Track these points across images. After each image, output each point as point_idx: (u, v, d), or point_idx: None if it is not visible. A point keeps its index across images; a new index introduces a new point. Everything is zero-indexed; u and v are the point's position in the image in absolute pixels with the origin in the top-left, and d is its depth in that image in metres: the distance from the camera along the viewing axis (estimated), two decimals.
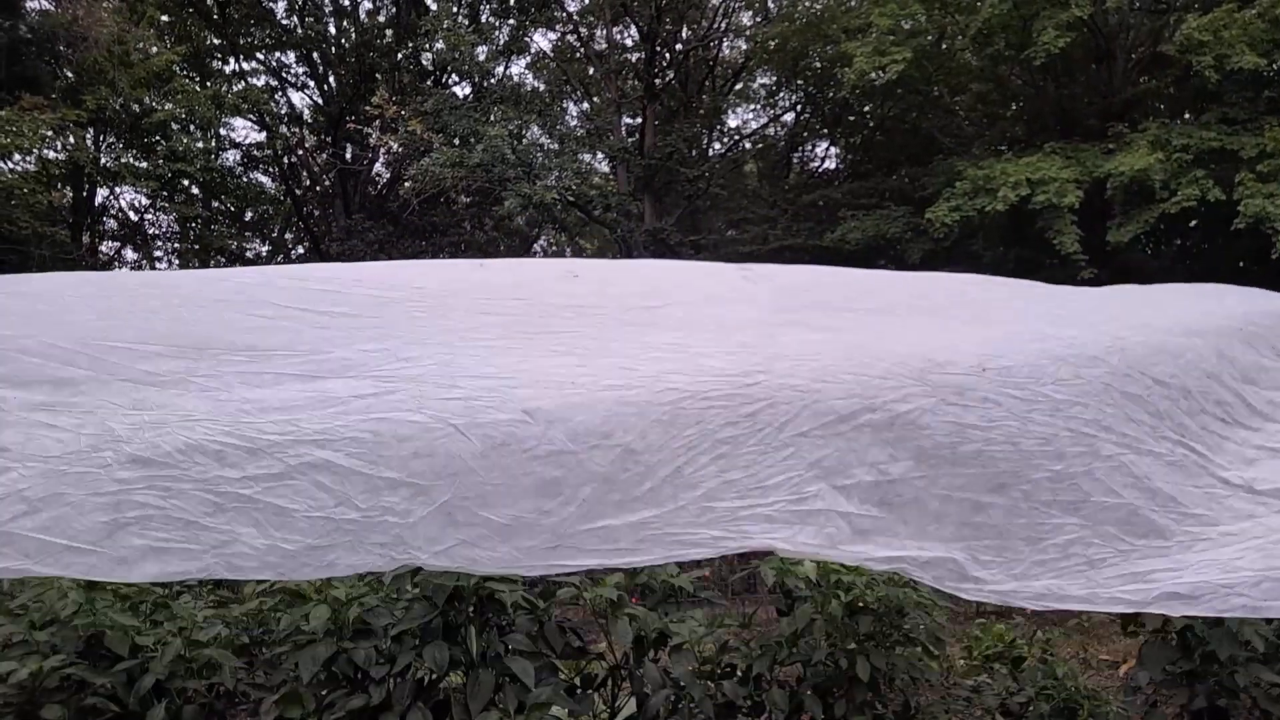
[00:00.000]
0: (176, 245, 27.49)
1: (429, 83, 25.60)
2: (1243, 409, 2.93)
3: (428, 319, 2.67)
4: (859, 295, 3.26)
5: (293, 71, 28.12)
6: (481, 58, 21.99)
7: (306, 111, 28.63)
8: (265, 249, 31.19)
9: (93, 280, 2.97)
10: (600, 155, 24.20)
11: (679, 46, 25.12)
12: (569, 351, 2.56)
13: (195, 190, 26.54)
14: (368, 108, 22.19)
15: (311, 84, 28.10)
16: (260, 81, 26.47)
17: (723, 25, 25.80)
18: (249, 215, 30.98)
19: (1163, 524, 2.59)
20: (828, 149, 30.77)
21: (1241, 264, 22.10)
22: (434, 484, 2.23)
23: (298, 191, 28.31)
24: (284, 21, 26.79)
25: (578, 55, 26.64)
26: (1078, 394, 2.65)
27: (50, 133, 19.18)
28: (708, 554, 2.37)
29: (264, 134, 26.47)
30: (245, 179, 29.11)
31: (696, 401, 2.39)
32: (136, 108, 22.13)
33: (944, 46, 21.25)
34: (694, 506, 2.33)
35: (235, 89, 24.78)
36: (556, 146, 20.91)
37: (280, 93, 27.55)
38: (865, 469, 2.46)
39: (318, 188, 28.72)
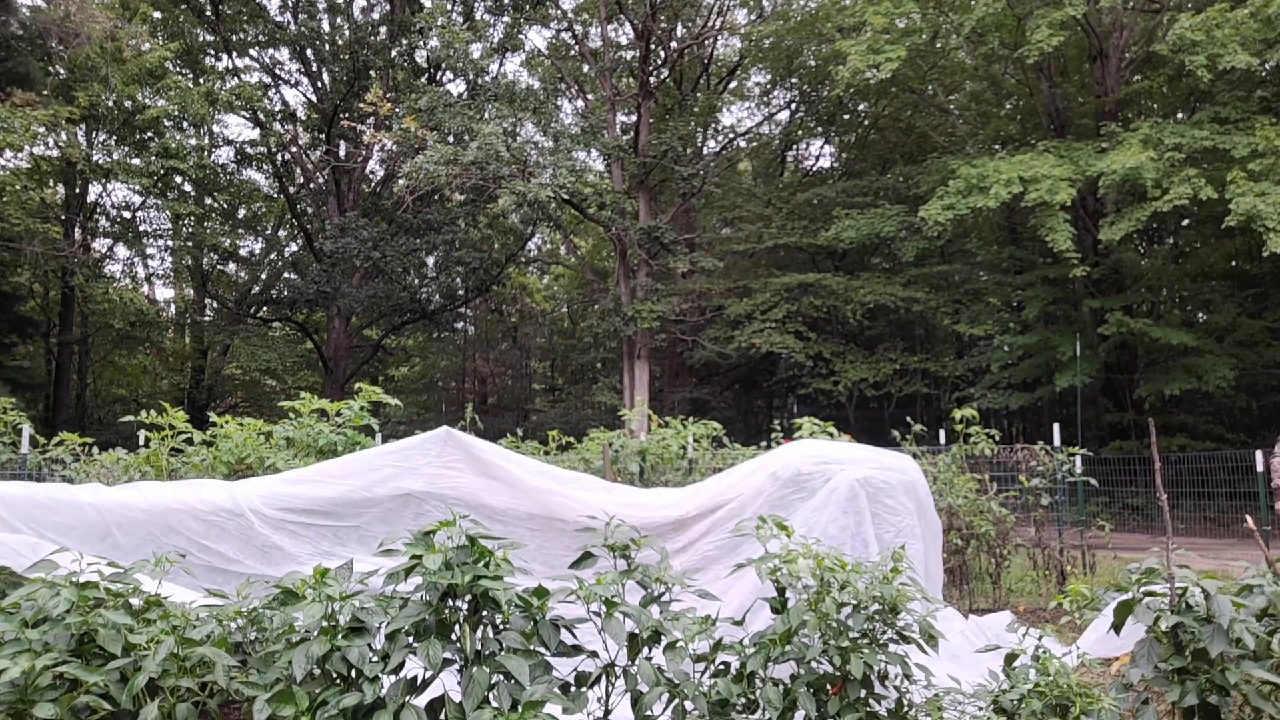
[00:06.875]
0: (169, 242, 27.40)
1: (423, 80, 25.54)
2: None
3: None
4: None
5: (286, 68, 28.08)
6: (476, 55, 21.93)
7: (300, 108, 28.56)
8: (258, 246, 31.14)
9: None
10: (595, 153, 24.17)
11: (674, 44, 25.09)
12: None
13: (188, 187, 26.46)
14: (362, 105, 22.12)
15: (305, 81, 28.03)
16: (253, 78, 26.40)
17: (717, 23, 25.78)
18: (242, 212, 30.91)
19: None
20: (822, 147, 30.82)
21: (1234, 262, 22.19)
22: None
23: (291, 189, 28.24)
24: (277, 18, 26.72)
25: (572, 53, 26.59)
26: None
27: (42, 129, 19.11)
28: None
29: (257, 131, 26.39)
30: (238, 176, 29.08)
31: None
32: (129, 104, 22.06)
33: (938, 45, 21.28)
34: None
35: (228, 86, 24.71)
36: (551, 144, 20.85)
37: (274, 89, 27.48)
38: None
39: (311, 185, 28.64)
